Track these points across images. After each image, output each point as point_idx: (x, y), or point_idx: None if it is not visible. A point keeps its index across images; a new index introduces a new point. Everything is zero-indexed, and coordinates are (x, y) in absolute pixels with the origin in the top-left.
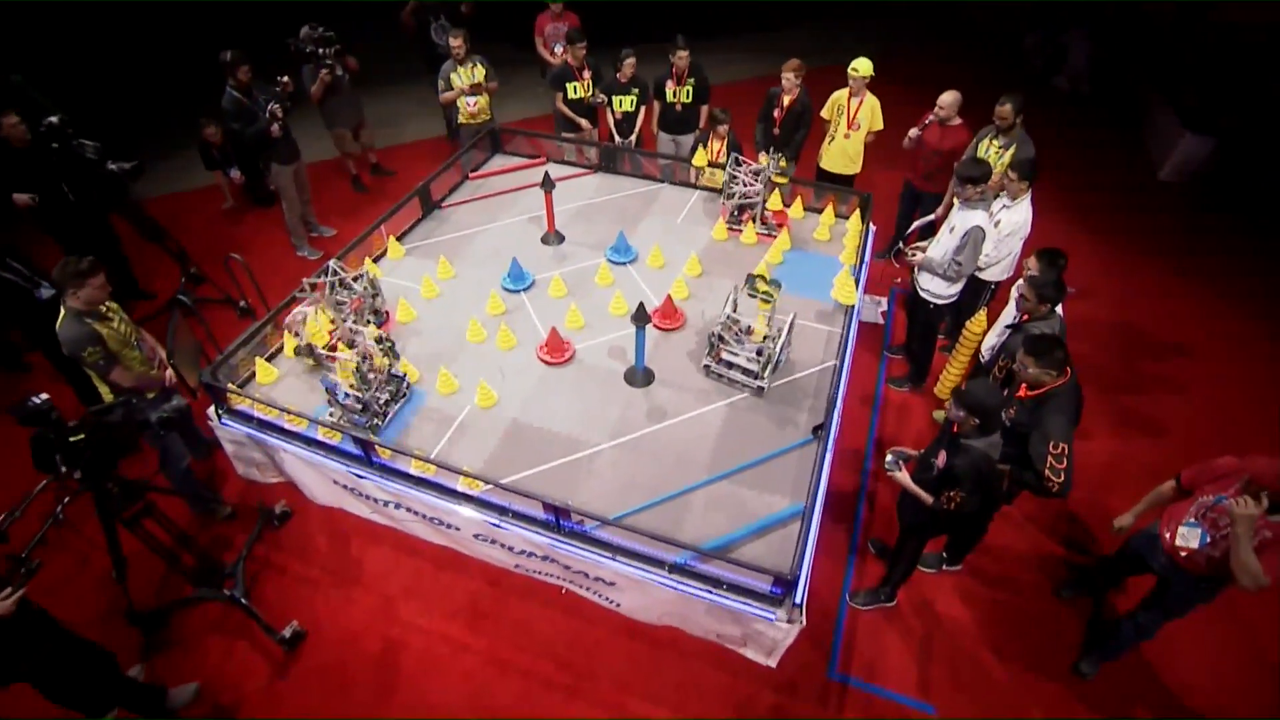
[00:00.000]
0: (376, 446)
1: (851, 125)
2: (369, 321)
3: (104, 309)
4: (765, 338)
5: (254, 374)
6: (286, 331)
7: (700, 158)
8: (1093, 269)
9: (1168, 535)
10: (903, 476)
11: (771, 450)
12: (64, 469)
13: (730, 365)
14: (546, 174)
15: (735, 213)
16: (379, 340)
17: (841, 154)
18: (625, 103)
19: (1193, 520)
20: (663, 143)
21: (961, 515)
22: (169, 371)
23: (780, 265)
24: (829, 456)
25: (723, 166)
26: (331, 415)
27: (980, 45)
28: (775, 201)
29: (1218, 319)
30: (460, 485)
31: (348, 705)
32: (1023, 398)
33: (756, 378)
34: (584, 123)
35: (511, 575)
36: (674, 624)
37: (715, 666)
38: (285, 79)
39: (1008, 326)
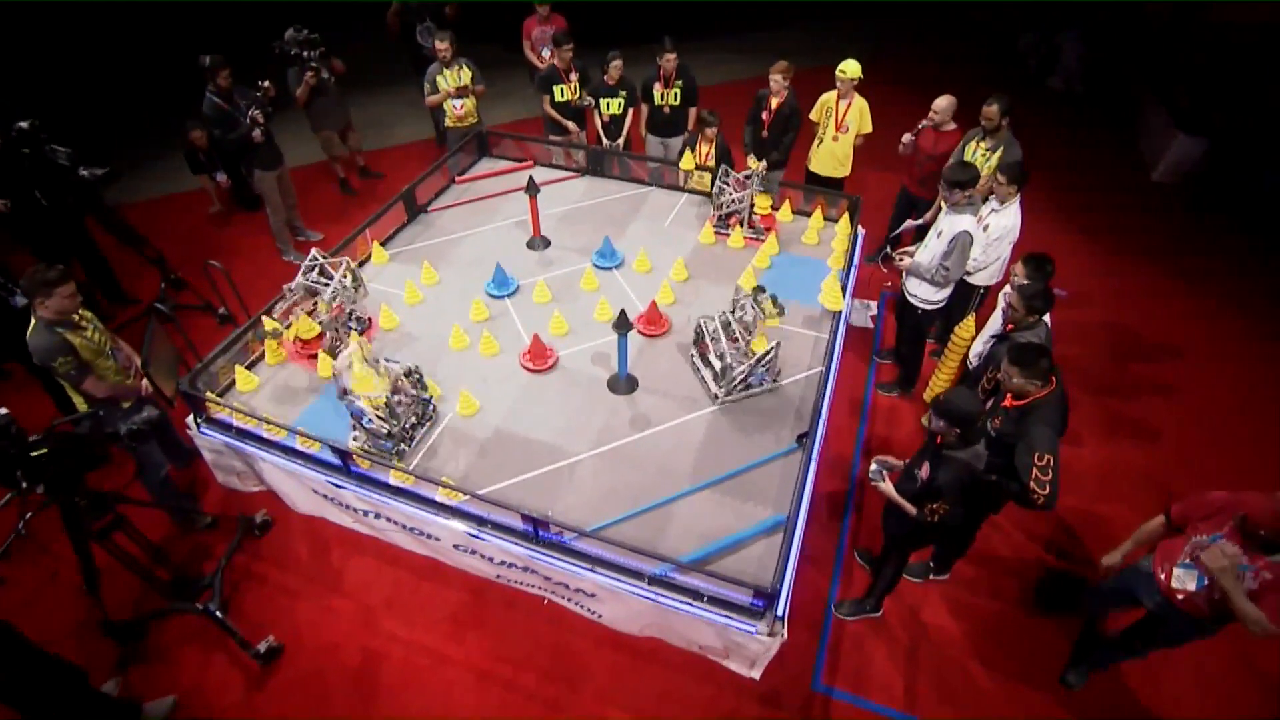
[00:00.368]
0: (355, 456)
1: (840, 128)
2: (351, 329)
3: (76, 318)
4: (755, 354)
5: (234, 382)
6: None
7: (688, 161)
8: (1085, 270)
9: (1163, 576)
10: (886, 487)
11: (755, 459)
12: (25, 484)
13: (706, 363)
14: (531, 179)
15: (722, 220)
16: (408, 374)
17: (830, 156)
18: (613, 105)
19: (1188, 561)
20: (651, 145)
21: (946, 527)
22: (145, 381)
23: (768, 270)
24: (814, 465)
25: (711, 170)
26: (356, 441)
27: (974, 45)
28: (764, 205)
29: (1211, 320)
30: (439, 496)
31: (326, 718)
32: (1008, 408)
33: (717, 382)
34: (571, 126)
35: (494, 586)
36: (656, 635)
37: (698, 678)
38: (266, 84)
39: (993, 336)
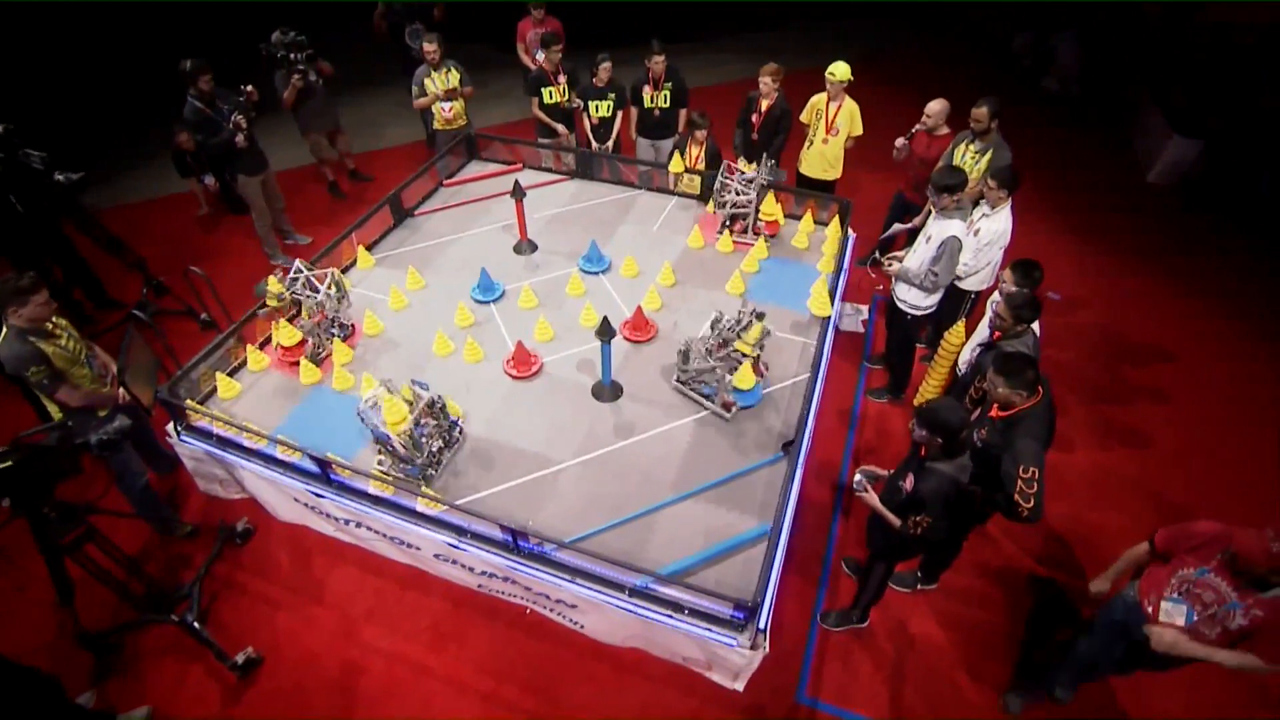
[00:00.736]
0: (335, 465)
1: (830, 130)
2: (334, 335)
3: (50, 326)
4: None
5: (215, 389)
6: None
7: (677, 164)
8: (1079, 272)
9: (1150, 609)
10: (870, 498)
11: (740, 467)
12: None
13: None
14: (517, 182)
15: (727, 222)
16: (432, 404)
17: (820, 159)
18: (602, 108)
19: (1175, 596)
20: (641, 148)
21: (931, 539)
22: (121, 389)
23: (756, 274)
24: (799, 474)
25: (700, 173)
26: (380, 465)
27: (969, 46)
28: (769, 206)
29: (1205, 323)
30: (419, 505)
31: None
32: (994, 418)
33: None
34: (560, 128)
35: (476, 595)
36: (639, 646)
37: (681, 690)
38: (249, 88)
39: (980, 344)
